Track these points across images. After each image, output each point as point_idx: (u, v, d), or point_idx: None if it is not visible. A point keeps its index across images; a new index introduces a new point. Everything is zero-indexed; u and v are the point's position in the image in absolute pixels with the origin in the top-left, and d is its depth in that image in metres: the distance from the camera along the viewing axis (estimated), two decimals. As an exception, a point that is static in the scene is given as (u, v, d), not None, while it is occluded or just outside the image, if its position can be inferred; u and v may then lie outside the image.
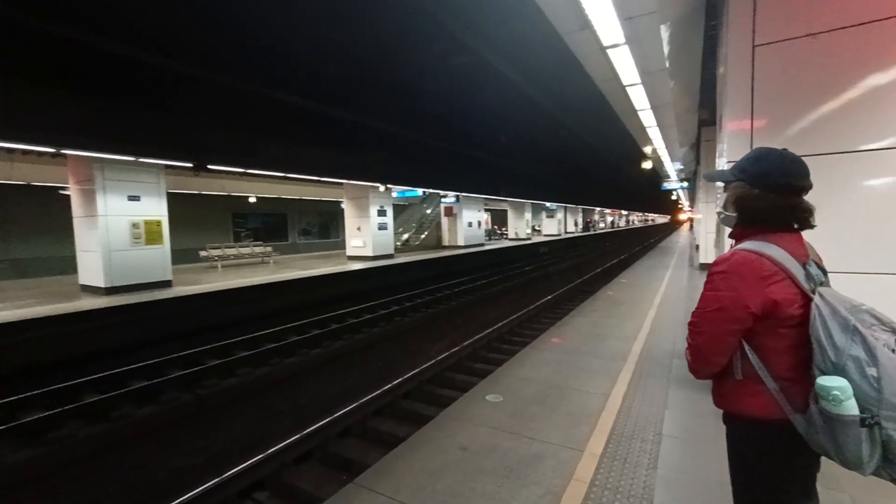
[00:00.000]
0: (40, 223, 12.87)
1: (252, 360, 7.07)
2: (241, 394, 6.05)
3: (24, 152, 10.47)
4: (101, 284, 8.83)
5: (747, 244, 1.36)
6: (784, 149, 1.42)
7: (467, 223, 21.42)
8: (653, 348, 5.03)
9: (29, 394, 5.55)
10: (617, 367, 4.41)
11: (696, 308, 1.42)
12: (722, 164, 3.96)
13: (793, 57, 3.08)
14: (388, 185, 15.14)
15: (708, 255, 11.36)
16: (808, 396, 1.26)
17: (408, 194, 20.26)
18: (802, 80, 3.07)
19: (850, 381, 1.13)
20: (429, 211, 23.73)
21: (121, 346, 7.39)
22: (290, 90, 9.44)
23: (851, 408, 1.12)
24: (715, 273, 1.36)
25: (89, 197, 8.86)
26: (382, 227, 15.95)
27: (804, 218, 1.37)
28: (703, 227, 11.38)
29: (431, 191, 19.07)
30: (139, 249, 9.34)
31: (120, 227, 9.03)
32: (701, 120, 9.50)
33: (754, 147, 3.24)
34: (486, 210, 26.10)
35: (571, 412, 3.40)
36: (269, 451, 4.11)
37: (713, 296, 1.35)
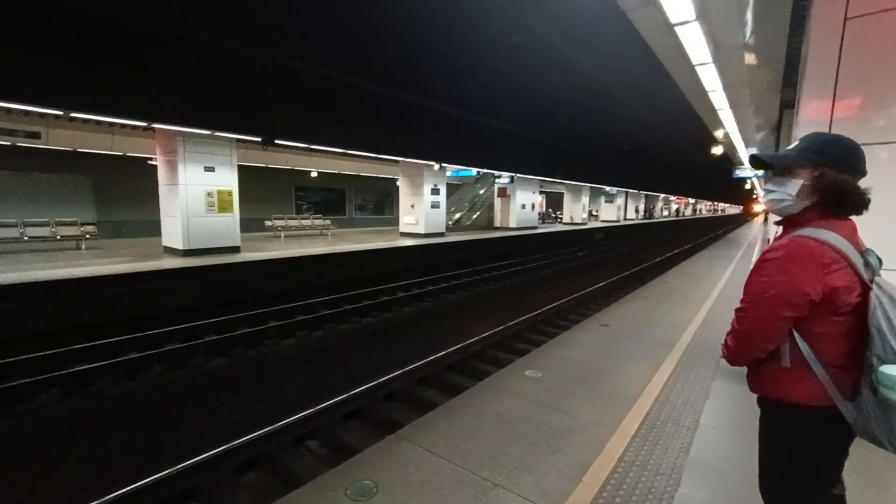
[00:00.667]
0: (133, 190, 14.40)
1: (310, 323, 7.63)
2: (298, 354, 6.60)
3: (122, 126, 11.71)
4: (180, 247, 9.82)
5: (806, 231, 1.34)
6: (837, 134, 1.39)
7: (520, 205, 21.17)
8: (703, 338, 4.87)
9: (128, 336, 6.42)
10: (662, 353, 4.35)
11: (746, 294, 1.42)
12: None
13: (889, 31, 2.79)
14: (443, 165, 15.29)
15: (780, 249, 10.52)
16: (857, 384, 1.27)
17: (462, 174, 20.30)
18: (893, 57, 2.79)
19: None
20: (482, 191, 23.67)
21: (200, 304, 8.26)
22: (352, 73, 9.75)
23: None
24: (769, 259, 1.36)
25: (172, 167, 9.80)
26: (435, 205, 16.19)
27: (860, 205, 1.34)
28: (775, 218, 10.51)
29: (486, 171, 18.98)
30: (213, 216, 10.23)
31: (197, 195, 9.93)
32: (784, 101, 8.66)
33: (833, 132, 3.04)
34: (542, 192, 25.58)
35: (608, 393, 3.44)
36: (320, 406, 4.51)
37: (767, 282, 1.34)
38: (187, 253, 9.71)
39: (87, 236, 11.01)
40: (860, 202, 1.33)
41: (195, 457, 3.52)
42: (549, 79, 10.74)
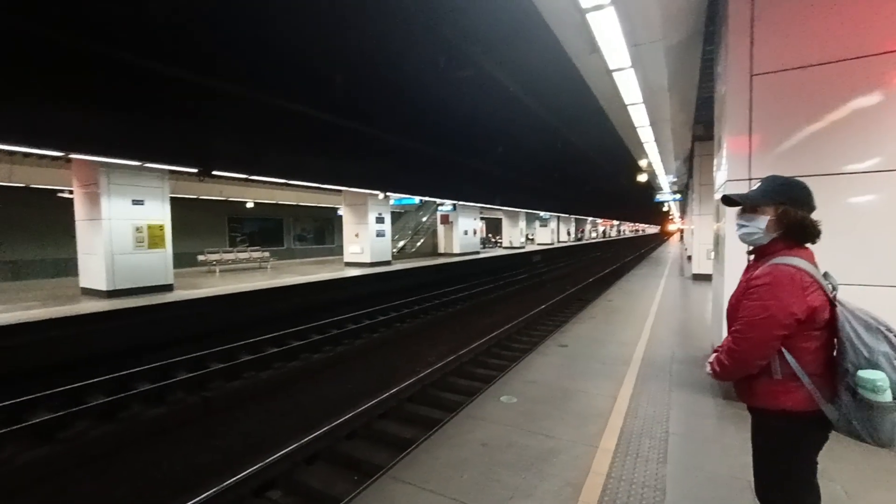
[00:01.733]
0: (37, 226, 12.81)
1: (256, 363, 7.14)
2: (245, 396, 6.14)
3: (25, 155, 10.48)
4: (103, 287, 8.85)
5: (782, 259, 1.56)
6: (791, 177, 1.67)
7: (463, 231, 21.67)
8: (653, 354, 5.25)
9: (38, 394, 5.58)
10: (620, 371, 4.62)
11: (741, 318, 1.60)
12: (721, 178, 4.24)
13: (787, 86, 3.37)
14: (387, 193, 15.34)
15: (700, 266, 11.71)
16: (835, 388, 1.48)
17: (404, 202, 20.44)
18: (795, 106, 3.36)
19: (885, 373, 1.35)
20: (424, 219, 23.96)
21: (125, 349, 7.42)
22: (295, 100, 9.63)
23: (889, 395, 1.34)
24: (759, 286, 1.56)
25: (94, 200, 8.91)
26: (380, 233, 16.10)
27: (820, 233, 1.61)
28: (697, 239, 11.73)
29: (428, 199, 19.32)
30: (142, 253, 9.38)
31: (123, 230, 9.08)
32: (696, 135, 9.87)
33: (753, 167, 3.52)
34: (481, 218, 26.40)
35: (581, 412, 3.60)
36: (282, 451, 4.22)
37: (760, 305, 1.54)
38: (112, 294, 8.76)
39: (-20, 279, 9.56)
40: (815, 232, 1.61)
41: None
42: (492, 112, 11.34)
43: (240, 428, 5.23)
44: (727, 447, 2.97)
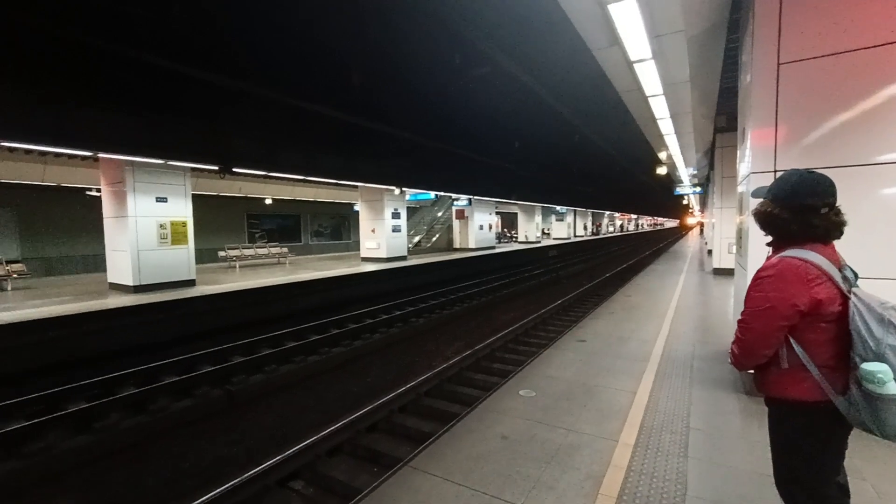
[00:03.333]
0: (67, 223, 13.28)
1: (276, 357, 7.30)
2: (267, 389, 6.28)
3: (56, 155, 10.86)
4: (130, 283, 9.15)
5: (791, 251, 1.57)
6: (810, 171, 1.62)
7: (478, 226, 21.64)
8: (673, 350, 5.20)
9: (75, 385, 5.83)
10: (640, 367, 4.59)
11: (745, 308, 1.63)
12: (744, 169, 4.15)
13: (815, 74, 3.27)
14: (403, 188, 15.42)
15: (721, 260, 11.47)
16: (847, 381, 1.47)
17: (419, 197, 20.52)
18: (824, 96, 3.26)
19: (890, 366, 1.34)
20: (440, 214, 23.99)
21: (152, 342, 7.68)
22: (313, 99, 9.74)
23: (893, 388, 1.33)
24: (763, 277, 1.58)
25: (120, 198, 9.20)
26: (396, 229, 16.20)
27: (825, 232, 1.57)
28: (717, 232, 11.49)
29: (443, 194, 19.34)
30: (165, 249, 9.65)
31: (148, 227, 9.35)
32: (717, 127, 9.65)
33: (778, 158, 3.45)
34: (497, 213, 26.31)
35: (601, 408, 3.59)
36: (303, 443, 4.32)
37: (763, 297, 1.56)
38: (138, 289, 9.05)
39: (15, 276, 9.96)
40: (787, 230, 1.60)
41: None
42: (508, 107, 11.28)
43: (262, 420, 5.37)
44: (751, 442, 2.95)
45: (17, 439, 4.68)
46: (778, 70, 3.44)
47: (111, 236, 9.68)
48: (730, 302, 7.88)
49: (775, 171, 3.45)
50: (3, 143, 7.34)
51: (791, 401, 1.56)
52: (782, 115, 3.46)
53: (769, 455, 1.69)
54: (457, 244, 22.40)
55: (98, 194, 10.08)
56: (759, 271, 1.61)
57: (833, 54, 3.19)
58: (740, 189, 4.55)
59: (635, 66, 4.78)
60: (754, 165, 3.59)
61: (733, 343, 1.70)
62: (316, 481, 4.05)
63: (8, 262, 10.15)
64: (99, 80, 6.99)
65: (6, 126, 6.15)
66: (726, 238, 10.85)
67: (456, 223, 22.46)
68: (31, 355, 6.60)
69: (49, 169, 11.45)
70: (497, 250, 22.04)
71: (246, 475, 3.77)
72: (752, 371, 1.73)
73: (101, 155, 8.11)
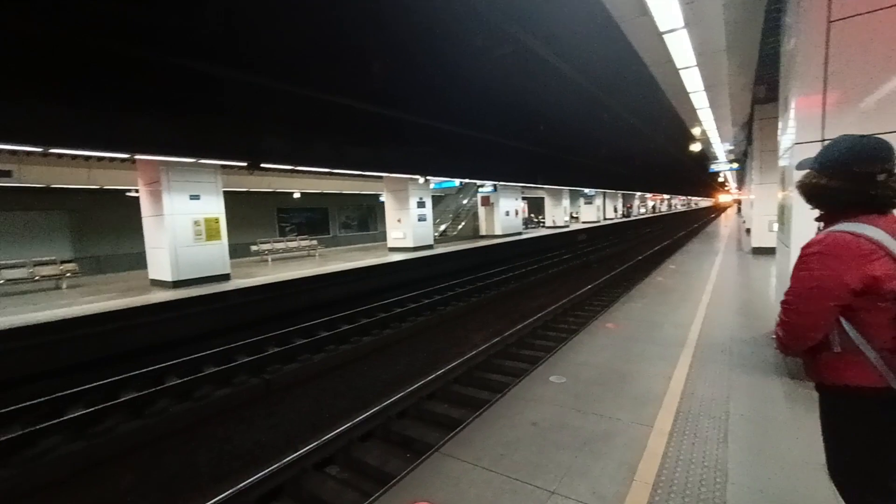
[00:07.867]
0: (111, 223, 13.99)
1: (310, 347, 7.49)
2: (302, 378, 6.47)
3: (99, 159, 11.40)
4: (169, 279, 9.56)
5: (841, 226, 1.42)
6: (863, 135, 1.46)
7: (504, 212, 21.40)
8: (710, 334, 4.99)
9: (128, 375, 6.19)
10: (675, 352, 4.43)
11: (790, 288, 1.49)
12: (787, 141, 3.88)
13: (872, 31, 2.98)
14: (428, 177, 15.37)
15: (761, 240, 10.91)
16: None
17: (444, 185, 20.43)
18: (883, 54, 2.97)
19: None
20: (465, 201, 23.86)
21: (192, 335, 8.03)
22: (338, 93, 9.79)
23: None
24: (808, 254, 1.44)
25: (156, 197, 9.57)
26: (422, 218, 16.22)
27: (884, 202, 1.41)
28: (757, 209, 10.91)
29: (468, 181, 19.17)
30: (201, 245, 10.01)
31: (184, 224, 9.71)
32: (756, 98, 9.08)
33: (827, 127, 3.20)
34: (523, 198, 25.91)
35: (635, 394, 3.49)
36: (338, 429, 4.42)
37: (808, 275, 1.43)
38: (177, 284, 9.45)
39: (68, 275, 10.60)
40: (839, 201, 1.46)
41: (217, 490, 3.41)
42: (532, 87, 11.00)
43: (298, 406, 5.55)
44: (797, 429, 2.79)
45: (84, 424, 5.04)
46: (828, 28, 3.15)
47: (150, 234, 10.11)
48: (771, 282, 7.50)
49: (822, 141, 3.21)
50: (64, 151, 7.85)
51: (845, 387, 1.43)
52: (832, 78, 3.19)
53: (820, 443, 1.57)
54: (483, 231, 22.25)
55: (136, 195, 10.53)
56: (804, 248, 1.48)
57: (893, 6, 2.89)
58: (782, 162, 4.27)
59: (665, 36, 4.48)
60: (799, 135, 3.35)
61: (778, 326, 1.57)
62: (350, 466, 4.16)
63: (62, 262, 10.79)
64: (140, 88, 7.25)
65: (65, 136, 6.55)
66: (766, 215, 10.29)
67: (481, 210, 22.29)
68: (95, 346, 7.06)
69: (92, 173, 12.05)
70: (524, 236, 21.77)
71: (286, 459, 3.91)
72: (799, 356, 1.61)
73: (137, 157, 8.46)
